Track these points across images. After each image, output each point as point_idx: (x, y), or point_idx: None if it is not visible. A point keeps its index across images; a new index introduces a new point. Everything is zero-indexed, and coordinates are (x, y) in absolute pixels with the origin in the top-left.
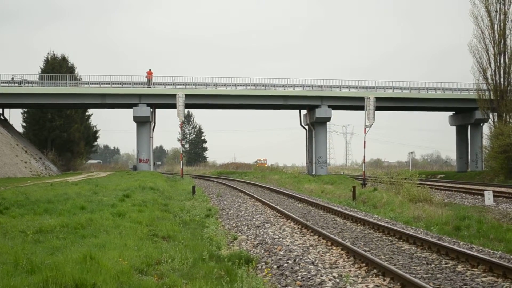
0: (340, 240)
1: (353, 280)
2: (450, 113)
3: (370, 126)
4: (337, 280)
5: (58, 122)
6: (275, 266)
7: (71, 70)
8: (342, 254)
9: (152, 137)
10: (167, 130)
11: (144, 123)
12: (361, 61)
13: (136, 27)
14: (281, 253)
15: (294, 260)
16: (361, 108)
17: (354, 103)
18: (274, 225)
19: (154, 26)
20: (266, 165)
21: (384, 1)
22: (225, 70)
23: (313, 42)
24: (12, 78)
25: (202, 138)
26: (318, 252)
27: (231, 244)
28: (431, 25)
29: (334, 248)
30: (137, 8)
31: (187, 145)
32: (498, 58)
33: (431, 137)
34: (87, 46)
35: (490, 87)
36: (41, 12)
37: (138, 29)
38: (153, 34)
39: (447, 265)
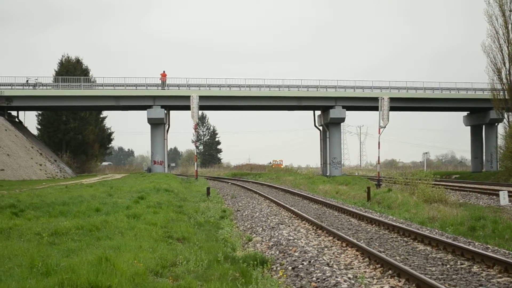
0: (355, 241)
1: (368, 281)
2: (465, 113)
3: (385, 127)
4: (352, 281)
5: (72, 124)
6: (290, 268)
7: (85, 72)
8: (357, 255)
9: (167, 139)
10: (182, 132)
11: (158, 125)
12: (370, 60)
13: (142, 28)
14: (296, 254)
15: (309, 261)
16: (375, 108)
17: (368, 104)
18: (289, 226)
19: (159, 28)
20: (282, 166)
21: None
22: (236, 71)
23: (321, 42)
24: (27, 80)
25: (216, 139)
26: (333, 253)
27: (246, 246)
28: (440, 24)
29: (349, 249)
30: (142, 10)
31: (201, 147)
32: None
33: (446, 137)
34: (96, 49)
35: (504, 87)
36: (45, 14)
37: (145, 31)
38: (161, 36)
39: (462, 266)
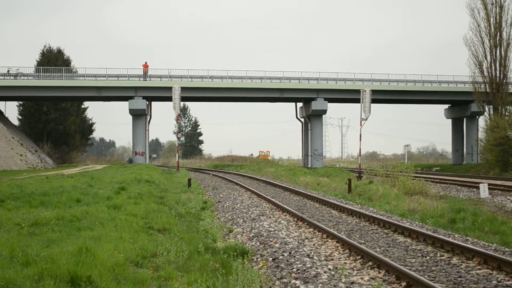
0: (335, 232)
1: (348, 272)
2: (446, 106)
3: (366, 119)
4: (332, 273)
5: (53, 115)
6: (270, 259)
7: (67, 63)
8: (337, 247)
9: (148, 130)
10: (163, 123)
11: (140, 116)
12: (361, 53)
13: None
14: (277, 245)
15: (290, 253)
16: (357, 101)
17: (350, 96)
18: (270, 217)
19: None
20: (269, 157)
21: None
22: (222, 62)
23: (310, 34)
24: (8, 70)
25: (198, 131)
26: (314, 244)
27: (226, 237)
28: (435, 17)
29: (330, 240)
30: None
31: (183, 138)
32: (494, 51)
33: (427, 130)
34: (81, 37)
35: (486, 80)
36: (39, 5)
37: (134, 18)
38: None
39: (442, 258)
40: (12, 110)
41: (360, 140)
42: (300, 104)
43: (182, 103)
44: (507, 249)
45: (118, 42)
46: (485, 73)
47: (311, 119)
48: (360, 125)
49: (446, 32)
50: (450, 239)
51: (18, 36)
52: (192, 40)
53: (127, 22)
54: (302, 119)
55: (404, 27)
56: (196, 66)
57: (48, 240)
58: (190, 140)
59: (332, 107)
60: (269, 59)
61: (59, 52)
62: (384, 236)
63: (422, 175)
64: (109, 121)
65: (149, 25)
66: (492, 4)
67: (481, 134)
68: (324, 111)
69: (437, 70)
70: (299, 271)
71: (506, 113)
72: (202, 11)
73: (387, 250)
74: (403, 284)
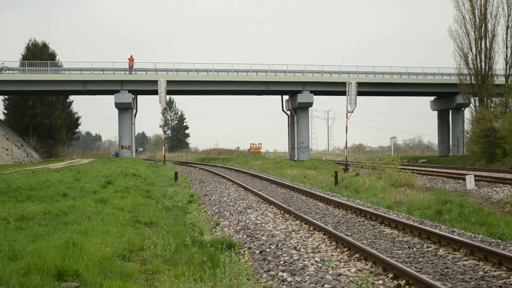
0: (322, 225)
1: (335, 264)
2: (432, 98)
3: (352, 111)
4: (320, 265)
5: (39, 109)
6: (257, 251)
7: (52, 56)
8: (324, 239)
9: (134, 124)
10: (149, 117)
11: (126, 110)
12: (354, 46)
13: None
14: (264, 238)
15: (277, 245)
16: (343, 93)
17: (336, 89)
18: (257, 210)
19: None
20: (261, 150)
21: None
22: (209, 55)
23: (300, 28)
24: None
25: (184, 124)
26: (301, 237)
27: (213, 230)
28: (430, 11)
29: (317, 233)
30: None
31: (169, 132)
32: (479, 42)
33: (413, 122)
34: (67, 31)
35: (471, 72)
36: None
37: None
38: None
39: (428, 249)
40: None
41: (346, 132)
42: (286, 97)
43: (168, 96)
44: (493, 240)
45: (109, 35)
46: (471, 65)
47: (297, 111)
48: (346, 117)
49: (441, 25)
50: (436, 231)
51: (2, 30)
52: (180, 33)
53: (115, 14)
54: (288, 112)
55: (399, 20)
56: (184, 59)
57: (34, 235)
58: (177, 134)
59: (318, 100)
60: (257, 53)
61: (44, 46)
62: (371, 228)
63: (408, 167)
64: (95, 115)
65: (134, 16)
66: None
67: (467, 126)
68: (310, 104)
69: (431, 63)
70: (286, 263)
71: (492, 105)
72: (190, 3)
73: (374, 242)
74: (390, 275)
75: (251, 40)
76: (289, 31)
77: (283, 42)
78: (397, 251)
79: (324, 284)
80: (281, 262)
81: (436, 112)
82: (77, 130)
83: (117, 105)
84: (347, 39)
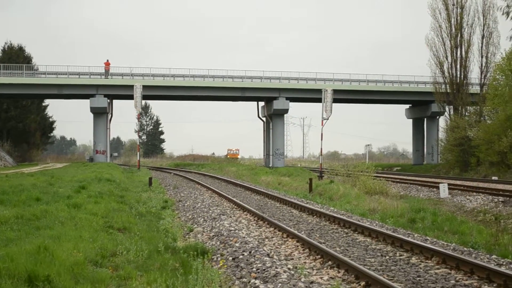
0: (295, 232)
1: (308, 272)
2: (407, 106)
3: (328, 119)
4: (292, 272)
5: (13, 112)
6: (230, 258)
7: (28, 60)
8: (297, 246)
9: (109, 128)
10: (125, 122)
11: (101, 114)
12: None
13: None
14: (237, 245)
15: (250, 252)
16: (318, 100)
17: (311, 95)
18: (230, 217)
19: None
20: (238, 156)
21: None
22: (187, 61)
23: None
24: None
25: (160, 129)
26: (274, 244)
27: (187, 236)
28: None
29: (290, 240)
30: None
31: (144, 137)
32: (454, 51)
33: (388, 130)
34: (41, 35)
35: (446, 80)
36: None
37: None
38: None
39: (401, 257)
40: None
41: (322, 139)
42: (262, 103)
43: (143, 101)
44: (465, 249)
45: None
46: (446, 74)
47: (273, 118)
48: (322, 124)
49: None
50: (409, 239)
51: None
52: (159, 37)
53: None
54: (264, 118)
55: (402, 26)
56: (159, 65)
57: (6, 239)
58: (152, 139)
59: (293, 107)
60: (239, 59)
61: (20, 49)
62: (344, 235)
63: (382, 175)
64: (70, 119)
65: (115, 18)
66: (453, 5)
67: (441, 134)
68: (286, 110)
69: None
70: (258, 270)
71: (466, 114)
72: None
73: (347, 250)
74: (362, 283)
75: (228, 46)
76: (266, 37)
77: (259, 49)
78: (369, 259)
79: None
80: (254, 269)
81: (411, 120)
82: (52, 134)
83: (93, 109)
84: (340, 44)
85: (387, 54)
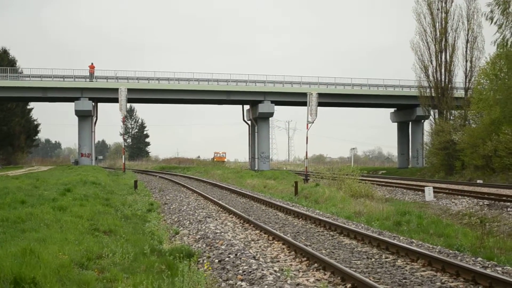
0: (281, 234)
1: (294, 274)
2: (392, 110)
3: (313, 122)
4: (278, 274)
5: None
6: (216, 261)
7: (12, 63)
8: (283, 249)
9: (94, 132)
10: (110, 125)
11: (86, 117)
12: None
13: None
14: (223, 247)
15: (236, 255)
16: (304, 104)
17: (297, 99)
18: (216, 219)
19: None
20: (225, 160)
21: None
22: (170, 65)
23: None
24: None
25: (145, 132)
26: (260, 246)
27: (172, 239)
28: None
29: (276, 242)
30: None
31: (129, 140)
32: (439, 55)
33: (373, 134)
34: (26, 38)
35: (431, 84)
36: None
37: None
38: (83, 28)
39: (387, 260)
40: None
41: (307, 143)
42: (247, 107)
43: (128, 104)
44: (451, 251)
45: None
46: (431, 78)
47: (258, 121)
48: (307, 128)
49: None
50: (395, 241)
51: None
52: (142, 42)
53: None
54: (249, 122)
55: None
56: (143, 69)
57: None
58: (137, 142)
59: (279, 110)
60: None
61: (4, 52)
62: (330, 238)
63: (368, 178)
64: (55, 122)
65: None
66: (438, 9)
67: (426, 138)
68: (271, 114)
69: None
70: (245, 272)
71: (451, 117)
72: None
73: (333, 252)
74: (348, 285)
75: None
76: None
77: (245, 52)
78: (355, 261)
79: None
80: (240, 271)
81: (396, 124)
82: (37, 137)
83: (77, 112)
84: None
85: (381, 59)
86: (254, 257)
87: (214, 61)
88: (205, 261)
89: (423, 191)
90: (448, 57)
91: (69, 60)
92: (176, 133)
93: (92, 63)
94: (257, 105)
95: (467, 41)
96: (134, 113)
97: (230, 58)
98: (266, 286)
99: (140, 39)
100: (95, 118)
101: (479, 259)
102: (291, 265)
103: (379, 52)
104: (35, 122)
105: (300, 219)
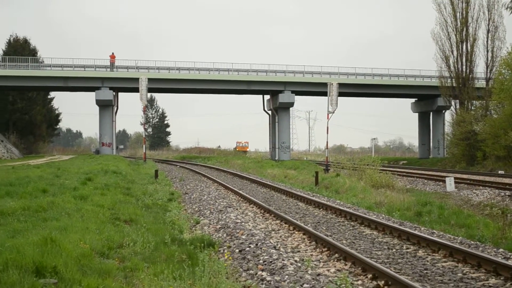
0: (302, 224)
1: (315, 264)
2: (413, 100)
3: (333, 112)
4: (299, 264)
5: (19, 104)
6: (237, 250)
7: (33, 52)
8: (304, 239)
9: (115, 121)
10: (130, 114)
11: (106, 107)
12: (344, 46)
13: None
14: (243, 237)
15: (256, 244)
16: (324, 94)
17: (317, 89)
18: (237, 209)
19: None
20: (247, 149)
21: None
22: (192, 54)
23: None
24: None
25: (165, 122)
26: (280, 236)
27: (193, 228)
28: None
29: (296, 232)
30: None
31: (150, 129)
32: (460, 46)
33: (394, 124)
34: (46, 28)
35: (452, 75)
36: None
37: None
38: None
39: (408, 250)
40: None
41: (327, 133)
42: (267, 97)
43: (149, 94)
44: (472, 242)
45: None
46: (452, 68)
47: (279, 111)
48: (327, 118)
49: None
50: (416, 232)
51: None
52: (162, 30)
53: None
54: (270, 112)
55: (395, 20)
56: (164, 58)
57: (13, 231)
58: (158, 132)
59: (299, 100)
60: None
61: (25, 41)
62: (351, 228)
63: (388, 169)
64: (76, 112)
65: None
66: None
67: (447, 128)
68: (291, 104)
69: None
70: (265, 262)
71: (472, 108)
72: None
73: (354, 243)
74: (369, 276)
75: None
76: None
77: (264, 42)
78: (376, 252)
79: (303, 284)
80: (261, 261)
81: (417, 114)
82: (58, 126)
83: (98, 102)
84: (338, 39)
85: (381, 50)
86: (274, 247)
87: (233, 52)
88: (225, 250)
89: (444, 181)
90: (469, 47)
91: (90, 53)
92: (197, 122)
93: (112, 53)
94: (278, 95)
95: (488, 31)
96: (155, 103)
97: (233, 48)
98: (286, 276)
99: (157, 30)
100: (115, 108)
101: (501, 250)
102: (311, 255)
103: (375, 43)
104: (56, 111)
105: (321, 209)
